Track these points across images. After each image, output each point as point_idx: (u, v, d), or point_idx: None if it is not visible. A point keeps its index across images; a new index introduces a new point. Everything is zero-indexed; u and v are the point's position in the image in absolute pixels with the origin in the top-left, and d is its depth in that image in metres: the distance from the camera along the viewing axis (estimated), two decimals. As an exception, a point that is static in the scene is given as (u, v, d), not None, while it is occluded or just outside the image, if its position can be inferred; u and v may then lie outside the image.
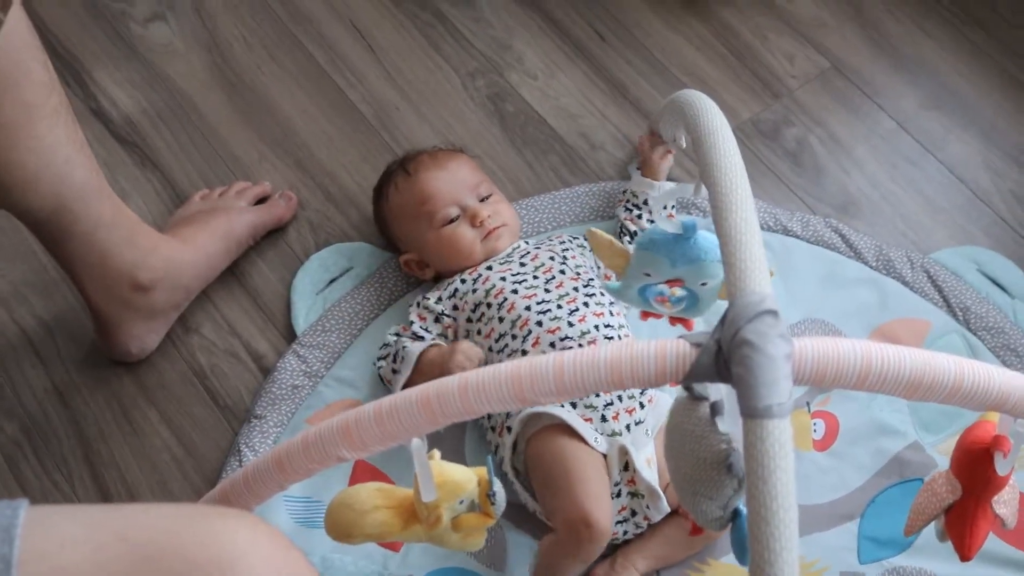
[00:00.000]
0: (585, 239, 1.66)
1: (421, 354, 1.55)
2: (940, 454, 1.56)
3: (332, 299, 1.70)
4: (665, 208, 1.66)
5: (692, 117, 1.26)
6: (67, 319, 1.71)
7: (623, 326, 1.52)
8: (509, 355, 1.50)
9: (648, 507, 1.45)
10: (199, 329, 1.70)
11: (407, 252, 1.68)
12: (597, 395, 1.46)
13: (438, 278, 1.67)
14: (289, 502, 1.54)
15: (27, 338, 1.70)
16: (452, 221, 1.62)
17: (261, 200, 1.79)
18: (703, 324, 1.57)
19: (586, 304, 1.52)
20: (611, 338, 1.49)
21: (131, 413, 1.64)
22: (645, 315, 1.45)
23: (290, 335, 1.68)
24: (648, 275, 1.35)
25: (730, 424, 1.09)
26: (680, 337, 1.01)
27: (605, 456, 1.44)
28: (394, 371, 1.56)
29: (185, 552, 0.76)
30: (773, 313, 0.98)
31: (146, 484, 1.58)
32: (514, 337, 1.51)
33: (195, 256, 1.64)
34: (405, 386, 1.54)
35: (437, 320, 1.61)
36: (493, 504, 1.24)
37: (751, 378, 0.95)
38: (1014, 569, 1.48)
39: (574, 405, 1.47)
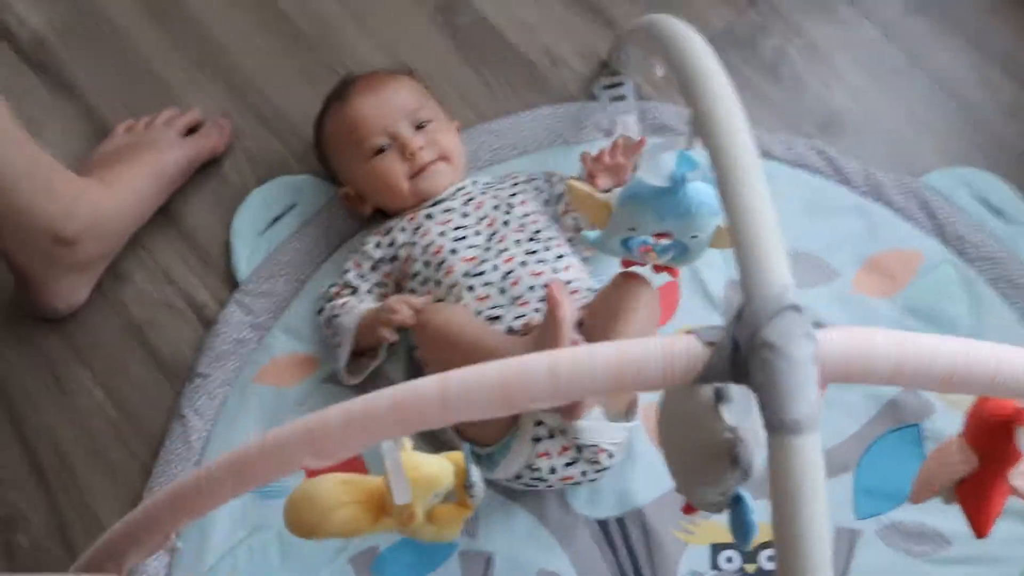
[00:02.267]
0: (545, 178, 1.52)
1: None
2: (936, 398, 1.47)
3: (276, 240, 1.56)
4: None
5: (678, 58, 1.11)
6: (-18, 273, 1.56)
7: (569, 281, 1.40)
8: None
9: (580, 441, 1.35)
10: (131, 277, 1.55)
11: (344, 185, 1.54)
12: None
13: (380, 213, 1.54)
14: (241, 471, 1.42)
15: (-61, 294, 1.54)
16: (381, 151, 1.47)
17: (192, 130, 1.62)
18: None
19: (523, 264, 1.40)
20: None
21: (61, 374, 1.50)
22: (627, 263, 1.33)
23: (231, 281, 1.54)
24: (633, 229, 1.23)
25: (739, 417, 0.99)
26: (690, 332, 0.89)
27: None
28: (336, 344, 1.44)
29: None
30: (796, 308, 0.87)
31: (82, 453, 1.46)
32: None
33: (122, 200, 1.49)
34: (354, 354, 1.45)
35: (374, 268, 1.48)
36: (472, 496, 1.14)
37: (774, 387, 0.84)
38: (1019, 520, 1.41)
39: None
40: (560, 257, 1.42)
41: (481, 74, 1.68)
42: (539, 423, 1.32)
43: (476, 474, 1.14)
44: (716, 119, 1.00)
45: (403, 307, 1.37)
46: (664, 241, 1.25)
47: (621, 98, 1.64)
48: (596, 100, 1.65)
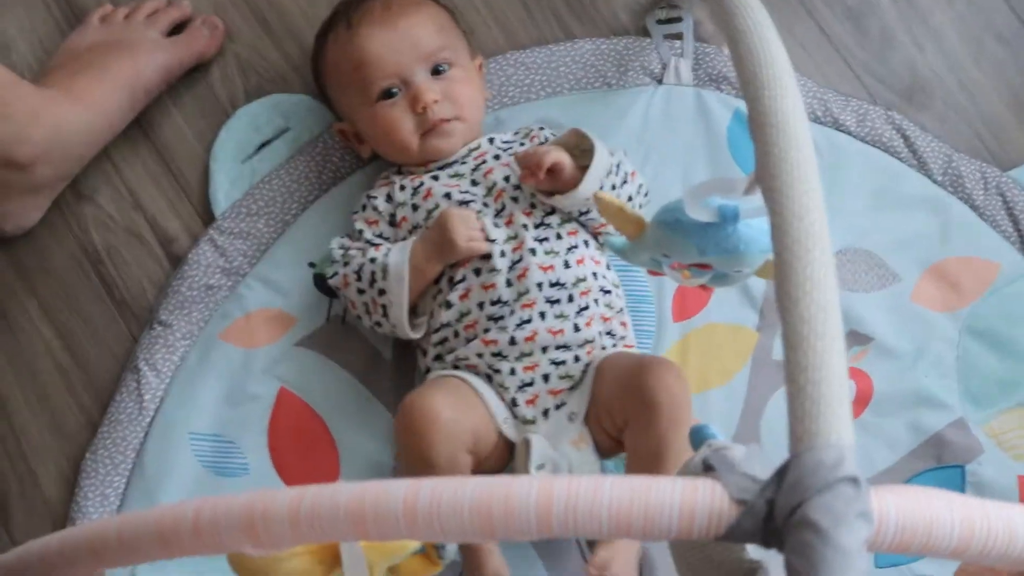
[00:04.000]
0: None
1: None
2: (988, 436, 1.30)
3: (262, 171, 1.36)
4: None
5: (751, 86, 0.89)
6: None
7: (582, 279, 1.21)
8: (440, 305, 1.22)
9: None
10: (94, 196, 1.36)
11: (342, 119, 1.34)
12: (512, 372, 1.19)
13: (377, 156, 1.34)
14: (196, 440, 1.27)
15: None
16: (389, 96, 1.26)
17: (179, 27, 1.39)
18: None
19: (532, 252, 1.21)
20: (557, 300, 1.20)
21: (6, 303, 1.33)
22: (653, 273, 1.14)
23: (208, 212, 1.35)
24: (667, 256, 1.04)
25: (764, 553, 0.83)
26: (713, 475, 0.72)
27: (514, 445, 1.20)
28: (380, 291, 1.22)
29: None
30: (853, 481, 0.70)
31: (23, 397, 1.31)
32: (450, 280, 1.23)
33: (89, 117, 1.29)
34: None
35: (392, 223, 1.28)
36: (442, 558, 0.99)
37: (813, 578, 0.67)
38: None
39: (489, 378, 1.21)
40: (572, 248, 1.23)
41: (519, -12, 1.44)
42: (541, 466, 1.16)
43: (449, 533, 0.99)
44: (783, 188, 0.80)
45: (474, 235, 1.21)
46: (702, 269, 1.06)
47: (677, 36, 1.41)
48: (649, 36, 1.42)
